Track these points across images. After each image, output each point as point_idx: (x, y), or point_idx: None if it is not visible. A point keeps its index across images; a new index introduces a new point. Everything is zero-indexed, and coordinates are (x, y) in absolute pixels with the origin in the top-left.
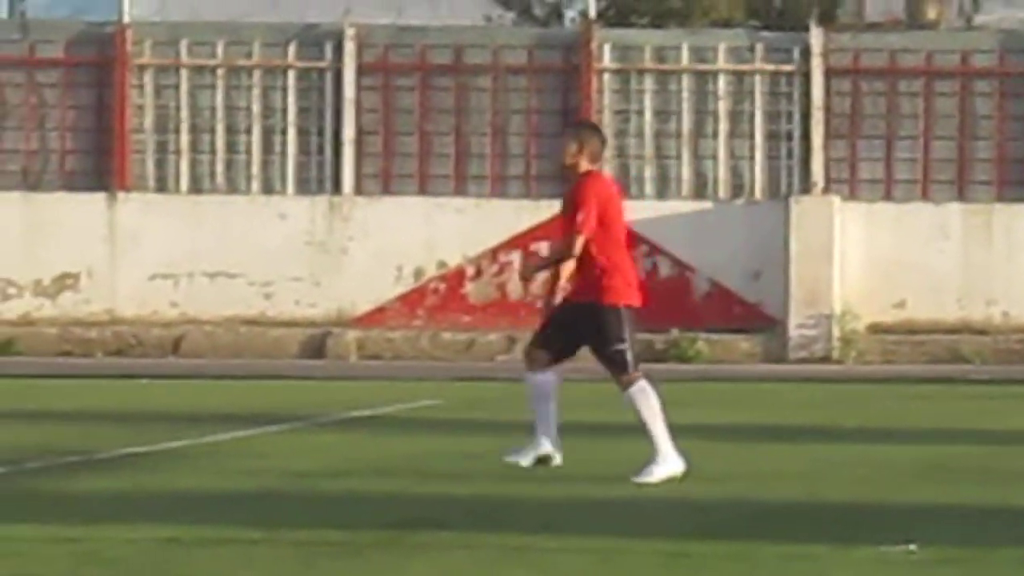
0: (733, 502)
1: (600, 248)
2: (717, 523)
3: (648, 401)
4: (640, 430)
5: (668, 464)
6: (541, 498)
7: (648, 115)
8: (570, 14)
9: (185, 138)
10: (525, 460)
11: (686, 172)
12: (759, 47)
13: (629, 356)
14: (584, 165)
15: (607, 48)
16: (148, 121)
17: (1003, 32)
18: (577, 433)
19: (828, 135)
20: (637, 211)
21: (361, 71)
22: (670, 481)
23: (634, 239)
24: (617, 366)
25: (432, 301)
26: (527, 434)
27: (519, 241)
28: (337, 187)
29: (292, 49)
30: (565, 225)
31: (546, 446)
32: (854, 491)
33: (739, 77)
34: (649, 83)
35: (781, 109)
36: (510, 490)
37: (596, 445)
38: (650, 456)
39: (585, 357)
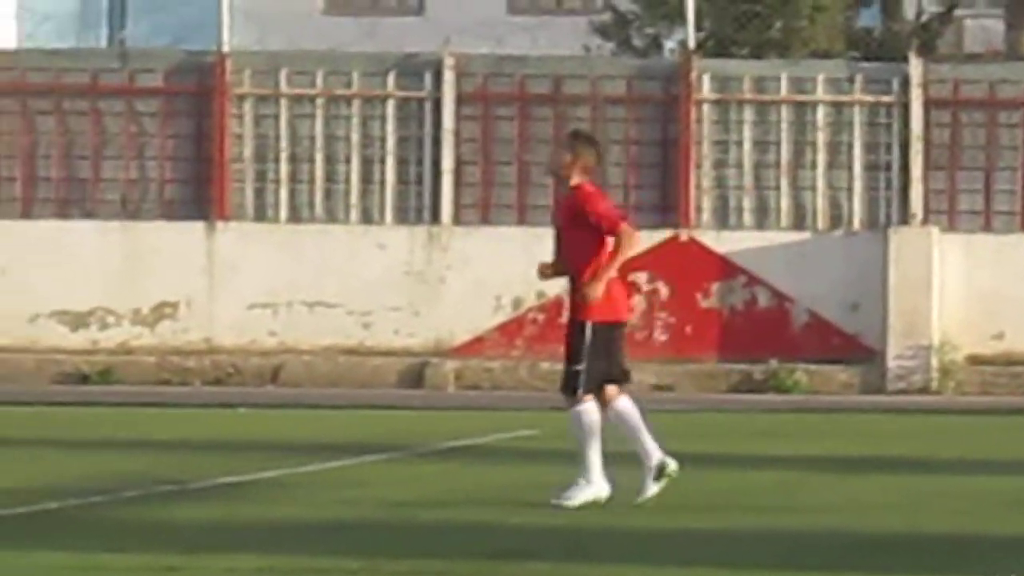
0: (830, 533)
1: (599, 261)
2: (814, 554)
3: (588, 425)
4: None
5: (592, 488)
6: (635, 529)
7: (747, 145)
8: (669, 45)
9: (284, 167)
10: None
11: (785, 203)
12: (858, 78)
13: (583, 379)
14: (576, 177)
15: (706, 79)
16: (247, 150)
17: None
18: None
19: (927, 166)
20: (736, 242)
21: (460, 100)
22: (595, 504)
23: (733, 269)
24: (569, 385)
25: (530, 331)
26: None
27: (619, 271)
28: (436, 217)
29: (392, 78)
30: (568, 236)
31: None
32: (952, 522)
33: (838, 108)
34: (748, 114)
35: (880, 140)
36: (605, 521)
37: (690, 475)
38: (575, 478)
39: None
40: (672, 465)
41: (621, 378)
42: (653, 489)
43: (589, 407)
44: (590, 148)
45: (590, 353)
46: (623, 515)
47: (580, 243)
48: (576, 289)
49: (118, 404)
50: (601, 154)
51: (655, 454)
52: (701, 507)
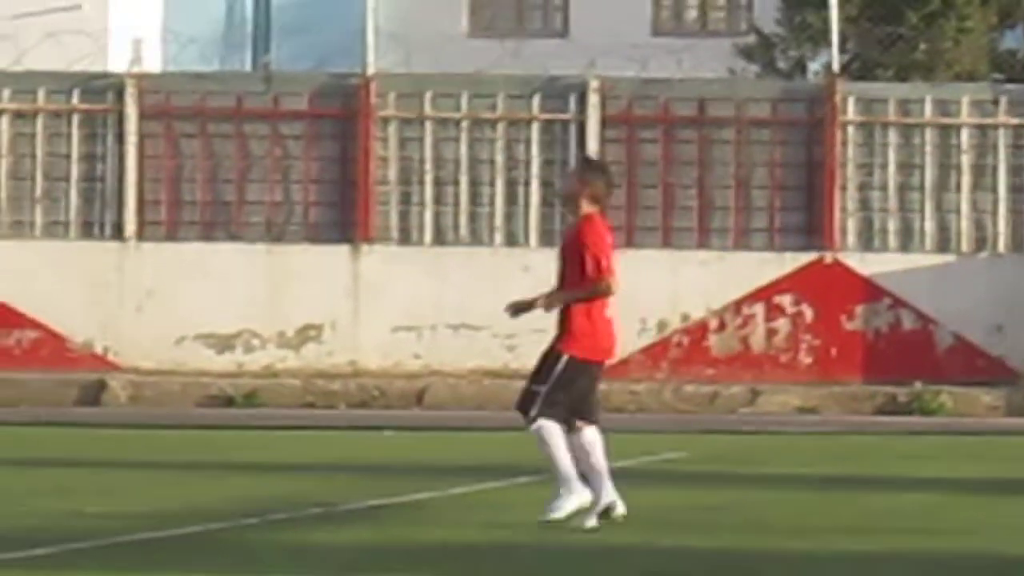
0: (975, 556)
1: (587, 303)
2: None
3: (551, 437)
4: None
5: (575, 497)
6: (783, 550)
7: (892, 168)
8: (814, 67)
9: (429, 190)
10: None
11: (929, 225)
12: (1003, 100)
13: (538, 402)
14: (585, 206)
15: (851, 101)
16: (392, 173)
17: None
18: (823, 486)
19: None
20: (880, 264)
21: (605, 123)
22: (580, 511)
23: (878, 292)
24: (526, 403)
25: (675, 354)
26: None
27: (763, 294)
28: None
29: (536, 101)
30: (569, 267)
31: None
32: None
33: (983, 130)
34: (893, 136)
35: None
36: (754, 543)
37: (835, 498)
38: (556, 491)
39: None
40: (620, 510)
41: (591, 417)
42: (591, 522)
43: (547, 422)
44: (600, 176)
45: (555, 382)
46: (771, 536)
47: (573, 275)
48: (561, 321)
49: (263, 427)
50: (612, 183)
51: (609, 494)
52: (847, 529)
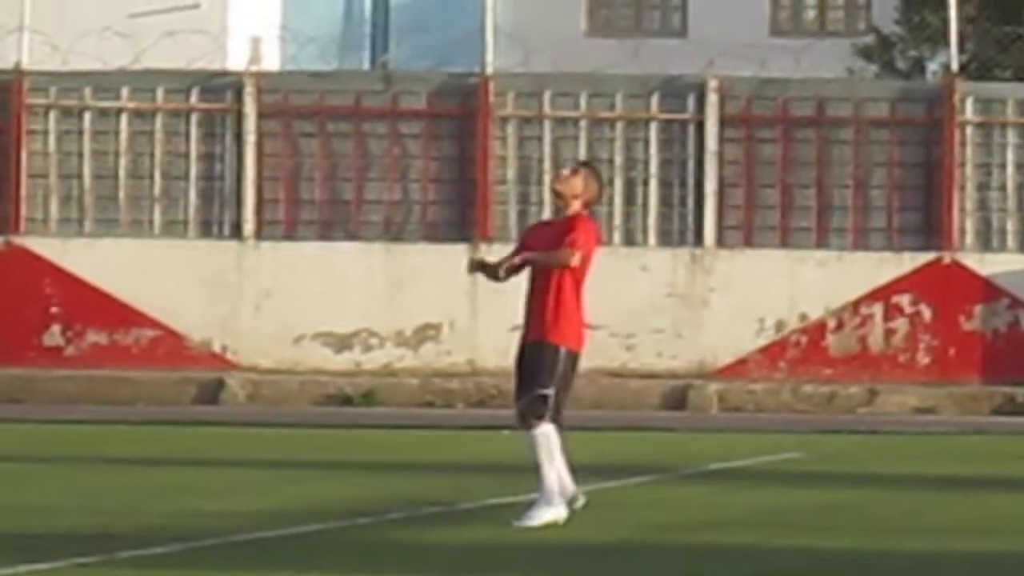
0: None
1: (573, 289)
2: None
3: (549, 446)
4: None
5: (552, 509)
6: (902, 551)
7: (1011, 168)
8: (932, 67)
9: (547, 190)
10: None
11: None
12: None
13: (549, 403)
14: (575, 207)
15: (970, 101)
16: (510, 172)
17: None
18: (941, 486)
19: None
20: (999, 264)
21: (723, 123)
22: (553, 525)
23: (996, 292)
24: (533, 408)
25: (793, 354)
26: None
27: (881, 294)
28: (699, 239)
29: (655, 100)
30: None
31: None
32: None
33: None
34: (1012, 136)
35: None
36: (871, 543)
37: (955, 498)
38: (537, 499)
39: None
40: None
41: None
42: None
43: (548, 429)
44: (597, 184)
45: (560, 380)
46: (889, 537)
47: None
48: (532, 311)
49: (381, 426)
50: (603, 192)
51: (570, 487)
52: (966, 529)
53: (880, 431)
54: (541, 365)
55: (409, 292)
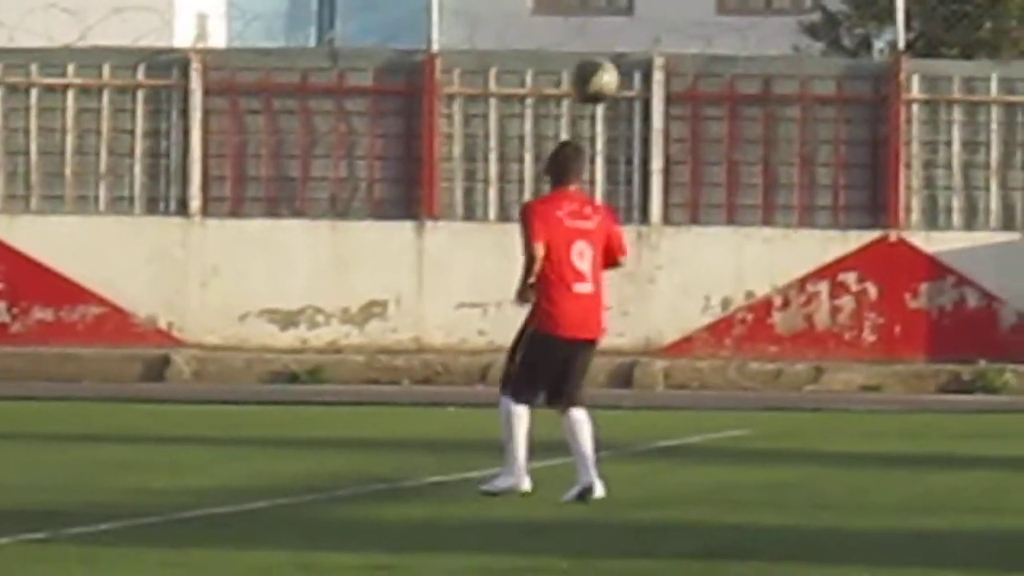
0: None
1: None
2: None
3: (511, 419)
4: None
5: (512, 478)
6: (848, 528)
7: (956, 146)
8: (879, 45)
9: (493, 167)
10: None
11: (994, 203)
12: None
13: (510, 372)
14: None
15: (916, 79)
16: (456, 149)
17: None
18: (887, 464)
19: None
20: (945, 242)
21: (670, 100)
22: (511, 493)
23: (942, 270)
24: (504, 372)
25: (739, 331)
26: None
27: (826, 272)
28: (645, 217)
29: None
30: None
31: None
32: None
33: None
34: (958, 114)
35: None
36: (817, 521)
37: (900, 476)
38: (501, 468)
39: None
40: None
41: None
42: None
43: (506, 402)
44: (553, 159)
45: (536, 359)
46: (835, 515)
47: None
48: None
49: (327, 403)
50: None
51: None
52: (911, 507)
53: (826, 409)
54: (520, 339)
55: (355, 269)
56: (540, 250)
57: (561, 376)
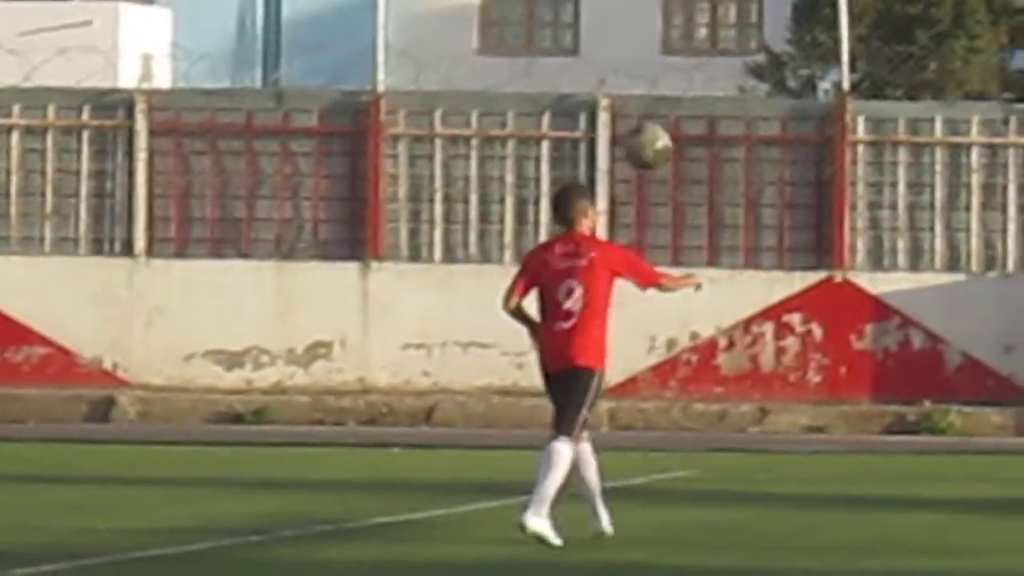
0: (985, 575)
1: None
2: None
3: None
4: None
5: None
6: (793, 569)
7: (901, 187)
8: (824, 86)
9: (439, 207)
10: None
11: (939, 244)
12: (1013, 120)
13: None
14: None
15: (861, 120)
16: (402, 191)
17: None
18: (832, 505)
19: None
20: (890, 283)
21: (615, 141)
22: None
23: (887, 311)
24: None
25: (684, 372)
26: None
27: (771, 313)
28: None
29: (546, 119)
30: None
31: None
32: None
33: (993, 150)
34: (903, 155)
35: None
36: (762, 561)
37: (844, 517)
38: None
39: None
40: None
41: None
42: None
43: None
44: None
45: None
46: (781, 556)
47: None
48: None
49: (272, 444)
50: (556, 207)
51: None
52: (857, 548)
53: (771, 450)
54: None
55: (300, 310)
56: (507, 303)
57: (556, 408)
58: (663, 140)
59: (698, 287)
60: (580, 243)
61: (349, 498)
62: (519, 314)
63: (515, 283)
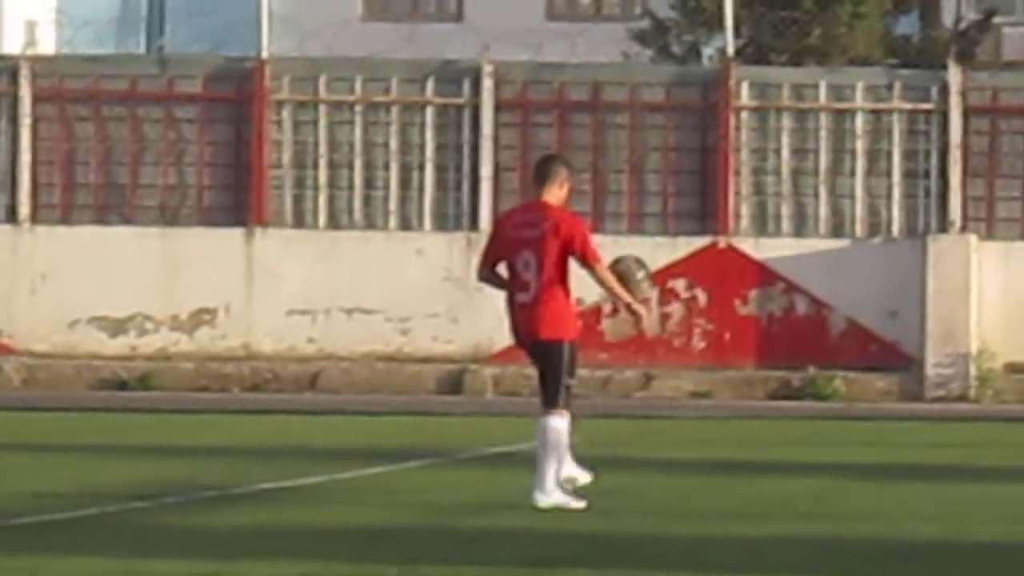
0: (868, 540)
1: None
2: (850, 561)
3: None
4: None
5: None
6: (675, 535)
7: (786, 153)
8: (708, 52)
9: (323, 174)
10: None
11: (823, 210)
12: (897, 85)
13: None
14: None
15: (745, 86)
16: (286, 157)
17: None
18: (716, 471)
19: (965, 174)
20: (774, 249)
21: (499, 107)
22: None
23: (771, 276)
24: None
25: None
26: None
27: (656, 278)
28: (475, 223)
29: (430, 85)
30: None
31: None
32: (993, 531)
33: (877, 115)
34: (787, 121)
35: (918, 147)
36: (645, 527)
37: (727, 482)
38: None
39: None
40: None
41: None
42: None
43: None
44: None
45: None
46: (663, 521)
47: None
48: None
49: (156, 410)
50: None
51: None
52: (739, 514)
53: (655, 415)
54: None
55: (184, 276)
56: (479, 274)
57: (538, 378)
58: (642, 272)
59: (637, 320)
60: (538, 211)
61: (234, 464)
62: (492, 280)
63: (484, 254)
